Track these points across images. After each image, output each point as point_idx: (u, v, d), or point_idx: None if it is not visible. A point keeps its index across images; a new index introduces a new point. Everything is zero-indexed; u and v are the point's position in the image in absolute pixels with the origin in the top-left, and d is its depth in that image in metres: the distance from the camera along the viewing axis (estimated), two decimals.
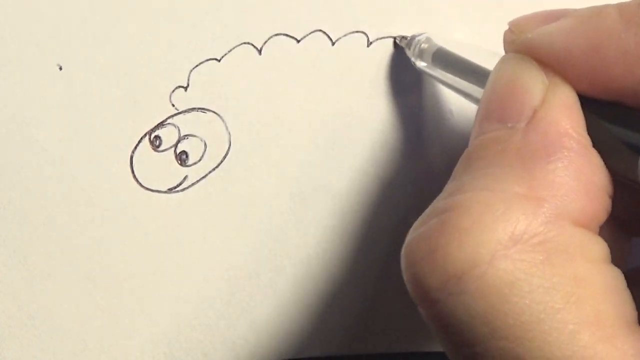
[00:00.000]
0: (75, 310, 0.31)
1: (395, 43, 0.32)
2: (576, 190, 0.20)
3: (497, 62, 0.23)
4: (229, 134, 0.31)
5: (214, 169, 0.31)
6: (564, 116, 0.21)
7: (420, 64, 0.30)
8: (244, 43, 0.31)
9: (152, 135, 0.31)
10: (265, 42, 0.31)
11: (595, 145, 0.21)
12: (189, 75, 0.31)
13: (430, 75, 0.30)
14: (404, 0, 0.31)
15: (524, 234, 0.19)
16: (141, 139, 0.31)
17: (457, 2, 0.32)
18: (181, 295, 0.32)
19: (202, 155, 0.31)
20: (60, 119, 0.30)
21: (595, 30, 0.21)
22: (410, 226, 0.21)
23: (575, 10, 0.22)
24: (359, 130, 0.32)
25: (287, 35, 0.31)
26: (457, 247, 0.19)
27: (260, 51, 0.31)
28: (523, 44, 0.22)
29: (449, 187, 0.21)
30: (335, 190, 0.32)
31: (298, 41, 0.31)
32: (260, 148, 0.31)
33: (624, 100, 0.21)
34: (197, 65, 0.31)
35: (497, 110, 0.22)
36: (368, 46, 0.31)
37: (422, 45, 0.30)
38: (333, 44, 0.31)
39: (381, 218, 0.33)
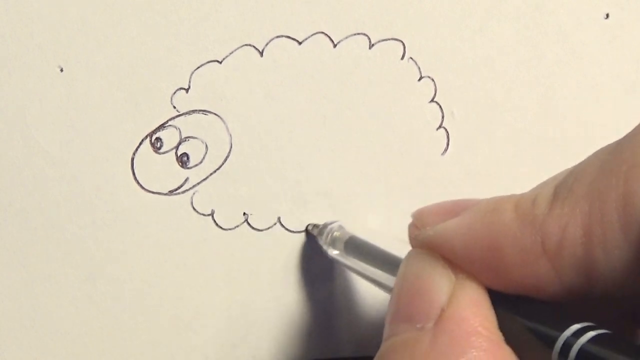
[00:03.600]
0: (75, 311, 0.31)
1: (307, 231, 0.32)
2: None
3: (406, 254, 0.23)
4: (230, 135, 0.31)
5: (215, 171, 0.31)
6: (472, 313, 0.20)
7: (333, 252, 0.30)
8: (246, 45, 0.31)
9: (153, 137, 0.31)
10: (267, 44, 0.31)
11: (509, 340, 0.20)
12: (190, 77, 0.31)
13: (342, 264, 0.30)
14: (405, 2, 0.31)
15: None
16: (142, 140, 0.31)
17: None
18: (181, 297, 0.32)
19: (203, 157, 0.31)
20: (61, 121, 0.30)
21: (491, 229, 0.20)
22: None
23: (475, 204, 0.22)
24: (360, 133, 0.32)
25: (288, 37, 0.31)
26: None
27: (261, 53, 0.31)
28: (425, 241, 0.22)
29: None
30: (335, 192, 0.32)
31: (300, 43, 0.31)
32: (261, 150, 0.31)
33: (530, 294, 0.20)
34: (198, 67, 0.31)
35: (405, 311, 0.21)
36: (370, 48, 0.31)
37: (335, 233, 0.30)
38: (335, 46, 0.31)
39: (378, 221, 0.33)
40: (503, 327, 0.20)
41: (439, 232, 0.22)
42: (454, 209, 0.22)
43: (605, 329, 0.19)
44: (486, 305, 0.21)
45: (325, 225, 0.31)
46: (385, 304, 0.24)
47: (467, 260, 0.21)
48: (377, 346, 0.21)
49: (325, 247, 0.31)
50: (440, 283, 0.21)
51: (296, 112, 0.31)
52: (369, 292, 0.33)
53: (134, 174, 0.31)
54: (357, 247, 0.29)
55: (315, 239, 0.31)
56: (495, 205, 0.21)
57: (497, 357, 0.19)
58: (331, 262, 0.32)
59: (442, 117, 0.32)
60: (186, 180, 0.31)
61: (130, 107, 0.30)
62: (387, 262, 0.26)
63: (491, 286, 0.21)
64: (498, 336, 0.20)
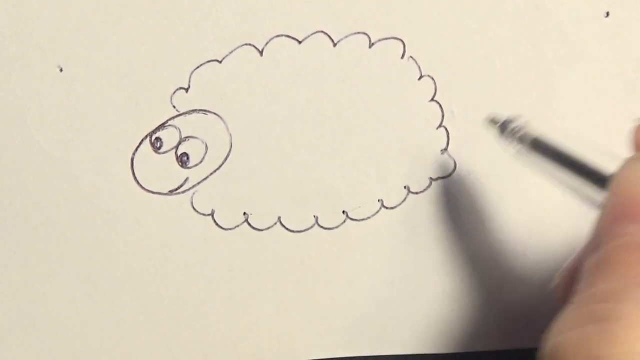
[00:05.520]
0: (75, 310, 0.31)
1: (487, 123, 0.31)
2: None
3: (615, 160, 0.23)
4: (230, 135, 0.31)
5: (215, 171, 0.31)
6: None
7: (516, 148, 0.29)
8: (245, 44, 0.31)
9: (153, 137, 0.31)
10: (267, 43, 0.31)
11: None
12: (190, 77, 0.31)
13: (525, 160, 0.29)
14: (405, 1, 0.31)
15: None
16: (142, 140, 0.31)
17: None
18: (181, 296, 0.32)
19: (203, 157, 0.31)
20: (61, 121, 0.30)
21: None
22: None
23: None
24: (360, 132, 0.32)
25: (288, 36, 0.31)
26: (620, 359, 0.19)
27: (261, 52, 0.31)
28: None
29: (596, 291, 0.20)
30: (335, 191, 0.32)
31: (299, 42, 0.31)
32: (261, 150, 0.31)
33: None
34: (198, 67, 0.31)
35: (633, 213, 0.21)
36: (370, 47, 0.31)
37: (521, 131, 0.29)
38: (335, 45, 0.31)
39: (383, 219, 0.33)
40: None
41: None
42: None
43: None
44: None
45: (509, 119, 0.30)
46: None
47: None
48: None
49: (507, 141, 0.29)
50: None
51: (296, 111, 0.31)
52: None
53: (133, 173, 0.31)
54: (544, 148, 0.28)
55: (497, 132, 0.30)
56: None
57: None
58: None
59: (442, 115, 0.32)
60: (186, 180, 0.31)
61: (130, 106, 0.30)
62: (579, 164, 0.25)
63: None
64: None
